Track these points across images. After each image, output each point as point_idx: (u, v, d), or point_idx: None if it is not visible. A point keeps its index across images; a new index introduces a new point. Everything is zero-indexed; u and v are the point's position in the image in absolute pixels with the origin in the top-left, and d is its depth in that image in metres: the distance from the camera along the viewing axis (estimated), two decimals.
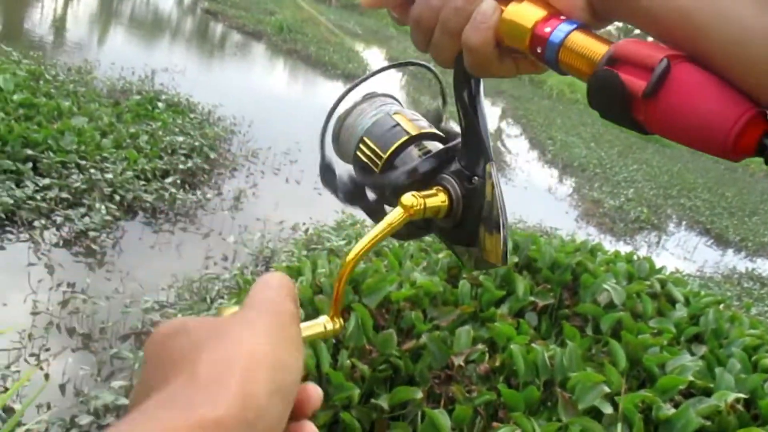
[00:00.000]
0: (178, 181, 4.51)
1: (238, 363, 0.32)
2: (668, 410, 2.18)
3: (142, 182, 4.28)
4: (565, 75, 0.44)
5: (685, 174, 13.41)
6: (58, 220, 3.65)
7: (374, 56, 16.72)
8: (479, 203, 0.50)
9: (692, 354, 2.93)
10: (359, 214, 4.88)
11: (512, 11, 0.43)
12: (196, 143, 5.13)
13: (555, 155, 10.96)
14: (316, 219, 4.66)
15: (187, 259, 3.79)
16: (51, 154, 4.08)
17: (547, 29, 0.42)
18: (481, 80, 0.50)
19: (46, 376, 2.57)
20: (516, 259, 3.55)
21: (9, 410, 2.22)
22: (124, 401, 2.43)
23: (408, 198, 0.49)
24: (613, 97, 0.38)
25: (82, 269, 3.38)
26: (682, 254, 7.83)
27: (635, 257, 4.07)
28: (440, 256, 3.57)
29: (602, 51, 0.40)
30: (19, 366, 2.55)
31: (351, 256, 0.47)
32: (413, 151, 0.55)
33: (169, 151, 4.85)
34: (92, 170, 4.08)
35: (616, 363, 2.63)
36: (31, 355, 2.67)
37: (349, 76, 12.21)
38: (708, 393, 2.47)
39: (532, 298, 3.19)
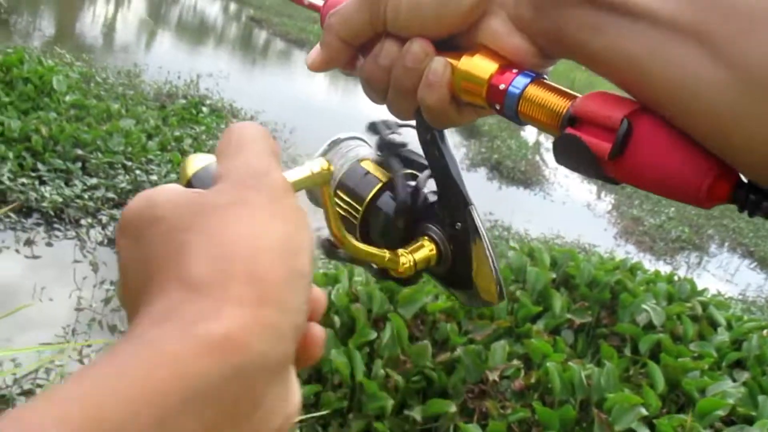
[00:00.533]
0: None
1: (240, 251, 0.27)
2: None
3: None
4: (525, 125, 0.43)
5: None
6: (104, 219, 3.75)
7: None
8: (467, 247, 0.50)
9: (734, 380, 2.86)
10: None
11: (464, 68, 0.42)
12: None
13: None
14: None
15: None
16: (99, 154, 4.20)
17: (502, 85, 0.41)
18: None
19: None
20: (554, 275, 3.51)
21: None
22: None
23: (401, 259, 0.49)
24: (580, 159, 0.38)
25: None
26: (723, 276, 7.64)
27: (676, 278, 3.99)
28: None
29: (562, 107, 0.39)
30: (63, 361, 2.62)
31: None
32: (388, 200, 0.53)
33: None
34: (138, 171, 4.18)
35: (655, 385, 2.58)
36: (74, 350, 2.74)
37: None
38: (750, 421, 2.41)
39: (569, 316, 3.15)
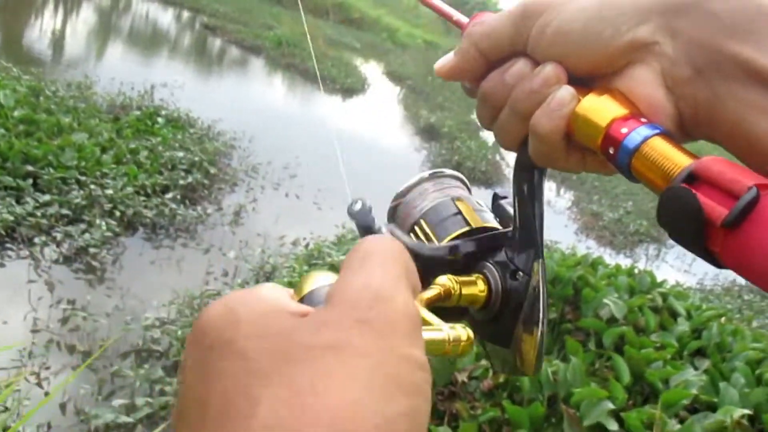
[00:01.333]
0: (179, 197, 4.51)
1: (323, 424, 0.21)
2: (674, 426, 2.17)
3: (143, 198, 4.28)
4: (637, 183, 0.39)
5: None
6: (59, 236, 3.64)
7: (372, 70, 16.79)
8: (520, 301, 0.45)
9: (695, 368, 2.92)
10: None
11: (589, 104, 0.39)
12: (196, 158, 5.14)
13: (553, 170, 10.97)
14: (316, 234, 4.66)
15: (188, 275, 3.78)
16: (51, 170, 4.08)
17: (624, 129, 0.37)
18: (545, 171, 0.46)
19: (47, 395, 2.55)
20: None
21: (8, 430, 2.20)
22: (125, 419, 2.42)
23: (443, 280, 0.44)
24: (686, 219, 0.34)
25: (82, 286, 3.37)
26: (681, 267, 7.83)
27: (636, 270, 4.06)
28: None
29: (682, 164, 0.35)
30: (20, 385, 2.53)
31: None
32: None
33: (169, 167, 4.85)
34: (92, 186, 4.08)
35: (620, 378, 2.62)
36: (32, 373, 2.65)
37: (349, 90, 12.26)
38: (712, 408, 2.45)
39: None
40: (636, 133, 0.37)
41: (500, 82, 0.42)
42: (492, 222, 0.52)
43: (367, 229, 0.53)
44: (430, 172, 0.56)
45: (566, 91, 0.39)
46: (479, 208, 0.53)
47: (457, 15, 0.53)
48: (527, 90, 0.40)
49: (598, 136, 0.39)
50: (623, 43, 0.38)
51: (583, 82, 0.41)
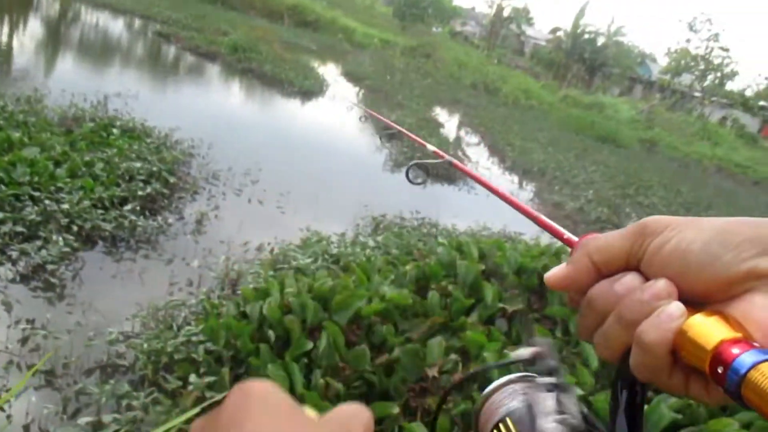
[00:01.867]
0: (138, 208, 4.42)
1: None
2: None
3: (100, 211, 4.19)
4: (748, 409, 0.37)
5: (641, 173, 13.72)
6: (14, 254, 3.54)
7: (330, 71, 16.74)
8: None
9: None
10: (324, 230, 4.85)
11: (699, 322, 0.38)
12: (154, 168, 5.05)
13: (514, 161, 11.11)
14: (281, 238, 4.62)
15: (151, 287, 3.71)
16: (2, 187, 3.97)
17: (735, 350, 0.36)
18: (646, 387, 0.44)
19: (8, 418, 2.47)
20: (483, 267, 3.57)
21: None
22: None
23: None
24: None
25: (41, 304, 3.28)
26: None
27: None
28: (408, 268, 3.57)
29: None
30: None
31: None
32: None
33: (127, 178, 4.76)
34: (47, 201, 3.97)
35: (588, 363, 2.66)
36: None
37: (307, 92, 12.20)
38: None
39: (501, 305, 3.21)
40: (748, 356, 0.35)
41: (609, 290, 0.42)
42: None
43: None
44: (522, 375, 0.55)
45: (675, 307, 0.39)
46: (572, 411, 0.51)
47: (567, 234, 0.55)
48: (636, 300, 0.41)
49: (707, 355, 0.37)
50: (743, 270, 0.38)
51: (694, 303, 0.40)
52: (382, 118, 3.14)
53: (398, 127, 2.33)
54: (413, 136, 2.04)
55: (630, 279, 0.42)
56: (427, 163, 1.67)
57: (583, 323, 0.45)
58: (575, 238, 0.52)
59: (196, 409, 2.06)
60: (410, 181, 1.65)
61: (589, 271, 0.44)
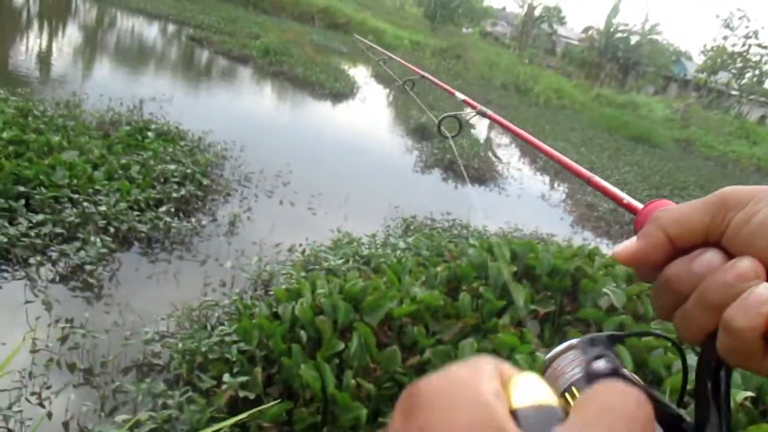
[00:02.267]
0: (172, 210, 4.50)
1: None
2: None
3: (136, 213, 4.27)
4: None
5: (676, 173, 13.47)
6: (54, 255, 3.63)
7: (361, 73, 16.80)
8: None
9: (696, 353, 2.93)
10: (355, 231, 4.87)
11: None
12: (188, 170, 5.13)
13: (546, 162, 11.00)
14: (312, 239, 4.65)
15: (186, 287, 3.77)
16: (43, 189, 4.07)
17: None
18: (731, 369, 0.42)
19: (49, 415, 2.54)
20: (515, 268, 3.55)
21: None
22: None
23: None
24: None
25: (80, 304, 3.36)
26: None
27: None
28: (439, 269, 3.57)
29: None
30: (21, 406, 2.52)
31: None
32: None
33: (162, 180, 4.84)
34: (85, 203, 4.07)
35: (624, 365, 2.62)
36: (32, 393, 2.64)
37: (338, 94, 12.26)
38: None
39: (533, 306, 3.18)
40: None
41: (687, 270, 0.40)
42: (663, 401, 0.46)
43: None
44: (586, 337, 0.50)
45: (765, 288, 0.36)
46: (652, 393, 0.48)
47: (627, 198, 0.48)
48: (719, 282, 0.38)
49: None
50: None
51: None
52: (403, 62, 3.00)
53: (421, 72, 2.22)
54: (438, 82, 1.94)
55: (710, 257, 0.39)
56: (459, 115, 1.57)
57: (660, 304, 0.42)
58: (638, 205, 0.47)
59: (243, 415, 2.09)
60: (441, 134, 1.58)
61: (663, 246, 0.41)
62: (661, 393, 2.34)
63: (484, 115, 1.41)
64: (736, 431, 2.18)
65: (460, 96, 1.65)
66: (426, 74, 2.06)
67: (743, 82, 37.02)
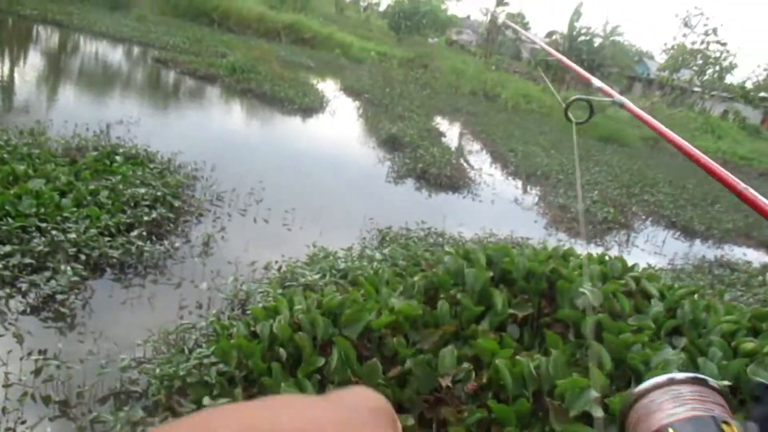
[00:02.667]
0: (144, 233, 4.44)
1: None
2: None
3: (107, 238, 4.21)
4: None
5: (646, 170, 13.69)
6: (23, 286, 3.55)
7: (329, 87, 16.81)
8: None
9: (673, 347, 2.96)
10: (330, 245, 4.85)
11: None
12: (159, 193, 5.07)
13: (517, 166, 11.10)
14: (288, 255, 4.62)
15: (161, 311, 3.72)
16: (9, 220, 3.99)
17: None
18: None
19: None
20: (491, 274, 3.56)
21: None
22: None
23: None
24: None
25: (52, 335, 3.29)
26: (652, 249, 7.95)
27: (607, 258, 4.11)
28: (416, 278, 3.56)
29: None
30: None
31: None
32: None
33: (132, 204, 4.78)
34: (54, 232, 3.99)
35: (602, 365, 2.64)
36: (7, 429, 2.57)
37: (307, 109, 12.25)
38: None
39: (511, 311, 3.19)
40: None
41: None
42: None
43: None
44: (691, 376, 0.47)
45: None
46: None
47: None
48: None
49: None
50: None
51: None
52: (539, 41, 2.79)
53: (559, 56, 2.10)
54: (575, 66, 1.81)
55: None
56: (591, 100, 1.47)
57: None
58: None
59: None
60: (569, 119, 1.47)
61: None
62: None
63: (621, 105, 1.33)
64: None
65: (597, 83, 1.58)
66: (563, 58, 1.96)
67: (705, 78, 37.83)
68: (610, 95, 1.36)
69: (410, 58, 26.86)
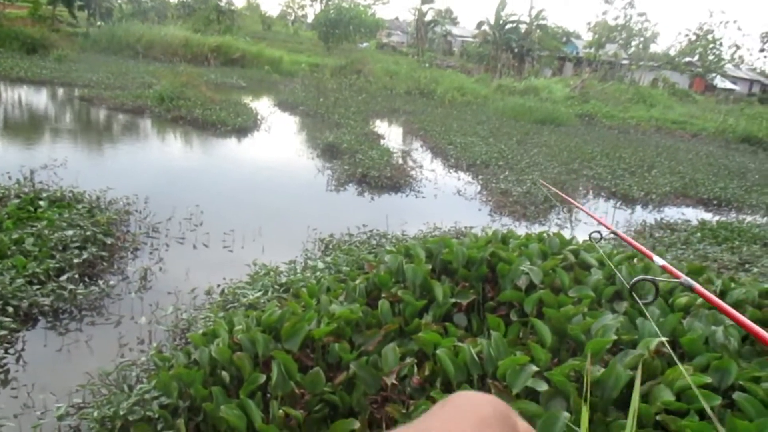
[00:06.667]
0: (77, 276, 4.28)
1: None
2: (597, 371, 2.20)
3: (36, 286, 4.03)
4: None
5: (583, 146, 13.98)
6: None
7: (263, 104, 16.66)
8: None
9: (615, 312, 2.99)
10: (274, 260, 4.77)
11: None
12: (88, 233, 4.90)
13: (458, 158, 11.19)
14: (230, 278, 4.53)
15: (101, 352, 3.58)
16: None
17: None
18: None
19: None
20: (431, 266, 3.55)
21: None
22: None
23: None
24: None
25: None
26: (594, 222, 8.09)
27: (545, 235, 4.14)
28: (357, 281, 3.52)
29: None
30: None
31: None
32: None
33: (61, 248, 4.60)
34: None
35: (543, 341, 2.65)
36: None
37: (241, 129, 12.10)
38: (634, 345, 2.51)
39: (454, 300, 3.18)
40: None
41: None
42: None
43: None
44: None
45: None
46: None
47: None
48: None
49: None
50: None
51: None
52: (566, 196, 2.75)
53: (611, 227, 2.04)
54: (632, 241, 1.75)
55: None
56: (656, 281, 1.45)
57: None
58: None
59: None
60: (634, 298, 1.46)
61: None
62: (581, 358, 2.37)
63: (690, 288, 1.31)
64: (653, 378, 2.23)
65: (659, 261, 1.56)
66: (618, 231, 1.94)
67: (630, 51, 39.03)
68: (676, 276, 1.35)
69: (342, 65, 26.89)
